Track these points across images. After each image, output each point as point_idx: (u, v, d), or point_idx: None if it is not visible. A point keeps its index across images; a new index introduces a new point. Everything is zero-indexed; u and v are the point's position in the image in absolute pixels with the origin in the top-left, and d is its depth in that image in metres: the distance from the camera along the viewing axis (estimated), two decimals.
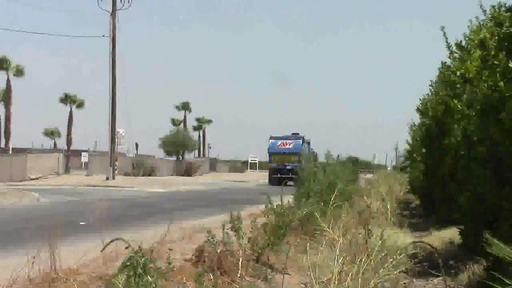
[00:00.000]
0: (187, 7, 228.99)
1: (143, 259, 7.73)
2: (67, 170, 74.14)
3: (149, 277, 7.61)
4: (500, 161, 10.68)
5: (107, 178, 58.76)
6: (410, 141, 34.73)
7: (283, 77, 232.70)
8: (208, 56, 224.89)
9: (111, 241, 8.14)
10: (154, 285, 7.67)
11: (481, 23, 12.93)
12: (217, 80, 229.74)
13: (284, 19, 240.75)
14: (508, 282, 5.41)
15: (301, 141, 66.29)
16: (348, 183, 28.29)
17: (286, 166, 62.89)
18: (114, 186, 49.05)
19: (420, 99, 23.62)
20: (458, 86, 13.73)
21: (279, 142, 66.07)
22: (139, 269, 7.66)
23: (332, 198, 17.26)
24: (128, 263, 7.73)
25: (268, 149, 68.63)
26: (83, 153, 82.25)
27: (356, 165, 60.81)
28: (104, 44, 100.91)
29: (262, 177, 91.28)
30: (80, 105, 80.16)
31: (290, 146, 64.64)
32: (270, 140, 67.61)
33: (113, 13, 62.27)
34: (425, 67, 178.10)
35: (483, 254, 11.55)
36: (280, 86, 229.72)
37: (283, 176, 53.75)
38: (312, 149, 64.74)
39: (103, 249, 8.58)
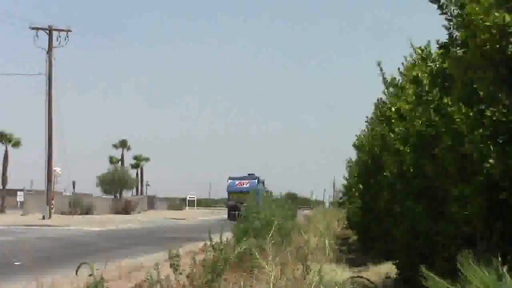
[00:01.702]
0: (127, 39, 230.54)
1: None
2: (2, 209, 72.72)
3: None
4: (434, 196, 10.81)
5: (44, 217, 57.69)
6: (347, 177, 34.87)
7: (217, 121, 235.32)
8: (145, 93, 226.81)
9: (80, 265, 8.11)
10: None
11: (414, 60, 13.21)
12: (155, 118, 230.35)
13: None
14: None
15: (256, 181, 70.98)
16: (287, 219, 28.43)
17: (243, 204, 63.85)
18: (50, 225, 48.38)
19: (356, 135, 23.94)
20: (393, 121, 13.94)
21: (237, 182, 71.36)
22: None
23: (270, 234, 17.35)
24: None
25: (227, 188, 73.81)
26: (18, 192, 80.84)
27: (295, 201, 61.44)
28: (41, 81, 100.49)
29: (201, 214, 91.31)
30: (16, 144, 79.13)
31: (247, 185, 68.36)
32: (229, 180, 72.89)
33: (49, 51, 61.82)
34: (362, 103, 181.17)
35: (419, 287, 11.68)
36: (219, 124, 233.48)
37: (240, 212, 54.59)
38: (266, 188, 68.32)
39: (76, 272, 8.40)
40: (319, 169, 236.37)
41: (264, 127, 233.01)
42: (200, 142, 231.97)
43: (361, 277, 15.52)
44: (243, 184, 70.01)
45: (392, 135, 13.81)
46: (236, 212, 69.97)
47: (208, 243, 15.34)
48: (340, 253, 22.60)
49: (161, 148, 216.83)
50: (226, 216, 71.75)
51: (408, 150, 11.90)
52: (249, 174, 74.66)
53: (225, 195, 75.86)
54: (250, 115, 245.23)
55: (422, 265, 6.14)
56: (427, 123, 10.94)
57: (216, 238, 15.70)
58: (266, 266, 13.04)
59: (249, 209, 19.82)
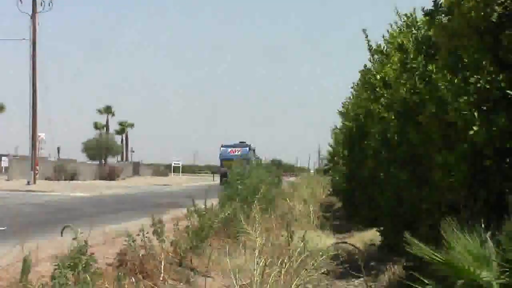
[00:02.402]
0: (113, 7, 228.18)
1: (85, 258, 7.63)
2: None
3: (87, 276, 7.53)
4: (419, 164, 10.83)
5: (28, 183, 57.89)
6: (333, 144, 34.72)
7: (204, 82, 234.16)
8: (133, 59, 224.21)
9: (64, 228, 8.06)
10: (91, 285, 7.59)
11: (399, 27, 13.18)
12: (141, 84, 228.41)
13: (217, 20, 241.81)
14: (427, 282, 5.47)
15: (248, 148, 75.39)
16: (272, 186, 28.51)
17: None
18: (35, 191, 48.20)
19: (342, 103, 23.77)
20: (378, 89, 13.91)
21: (229, 149, 75.08)
22: (80, 267, 7.56)
23: (255, 201, 17.34)
24: (72, 262, 7.61)
25: (219, 155, 77.94)
26: (3, 158, 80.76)
27: (279, 168, 61.98)
28: (25, 47, 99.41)
29: (186, 181, 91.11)
30: (0, 109, 78.60)
31: (238, 152, 71.91)
32: (222, 148, 77.21)
33: (33, 16, 61.22)
34: (349, 70, 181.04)
35: (403, 254, 11.72)
36: (204, 91, 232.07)
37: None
38: (257, 155, 73.56)
39: (62, 233, 8.35)
40: (304, 137, 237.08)
41: (249, 93, 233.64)
42: (185, 109, 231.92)
43: (346, 242, 15.62)
44: (235, 152, 72.66)
45: (377, 103, 13.83)
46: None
47: (192, 209, 15.34)
48: (325, 219, 22.69)
49: (146, 115, 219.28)
50: (211, 182, 74.01)
51: (392, 118, 11.84)
52: (240, 142, 77.62)
53: (210, 162, 77.83)
54: (236, 81, 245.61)
55: (406, 231, 6.18)
56: (411, 90, 10.84)
57: (200, 204, 15.71)
58: (251, 232, 13.11)
59: (233, 176, 19.87)
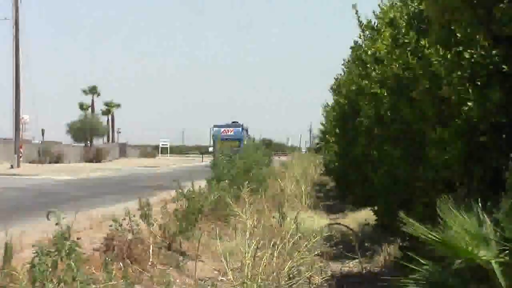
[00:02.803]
0: None
1: (68, 243, 7.56)
2: None
3: (71, 262, 7.46)
4: (413, 141, 10.79)
5: (12, 166, 57.62)
6: (324, 122, 34.45)
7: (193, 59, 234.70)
8: (118, 38, 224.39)
9: (49, 213, 7.98)
10: (76, 270, 7.54)
11: (391, 2, 13.12)
12: (127, 64, 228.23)
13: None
14: (423, 262, 5.44)
15: (240, 128, 74.90)
16: (263, 166, 28.36)
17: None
18: (19, 175, 47.94)
19: (334, 79, 22.63)
20: (369, 66, 13.83)
21: (222, 130, 73.33)
22: (63, 253, 7.50)
23: (246, 182, 17.24)
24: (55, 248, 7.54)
25: (212, 136, 78.08)
26: None
27: (270, 147, 61.94)
28: (8, 27, 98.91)
29: (174, 162, 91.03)
30: None
31: (231, 133, 72.35)
32: (214, 128, 76.02)
33: None
34: (340, 46, 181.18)
35: (398, 233, 11.69)
36: (191, 67, 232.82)
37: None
38: (249, 135, 72.24)
39: (47, 217, 8.26)
40: (295, 114, 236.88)
41: (238, 72, 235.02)
42: (173, 88, 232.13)
43: (339, 223, 15.60)
44: (228, 132, 72.81)
45: (369, 79, 13.78)
46: None
47: (180, 191, 15.22)
48: (317, 200, 22.65)
49: (132, 94, 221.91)
50: (201, 163, 75.21)
51: (385, 94, 11.79)
52: (232, 122, 77.70)
53: (199, 142, 77.44)
54: (222, 57, 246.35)
55: (401, 211, 6.16)
56: (404, 66, 10.76)
57: (189, 186, 15.62)
58: (241, 214, 13.04)
59: (218, 159, 19.85)
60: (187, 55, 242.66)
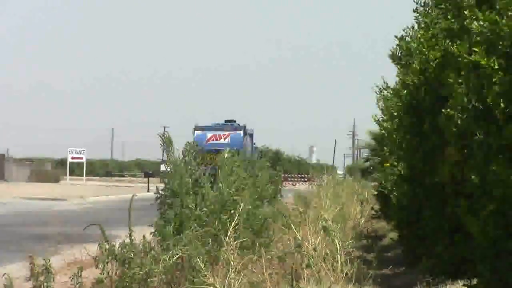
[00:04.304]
0: None
1: None
2: None
3: None
4: None
5: None
6: (381, 117, 33.81)
7: None
8: None
9: None
10: None
11: None
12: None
13: None
14: None
15: (241, 132, 73.30)
16: (263, 201, 26.88)
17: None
18: None
19: (396, 38, 23.65)
20: (467, 11, 13.94)
21: (210, 134, 72.71)
22: None
23: (231, 229, 17.18)
24: None
25: (191, 142, 74.99)
26: None
27: (277, 165, 61.65)
28: None
29: (96, 191, 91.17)
30: None
31: (226, 139, 71.28)
32: (196, 132, 72.72)
33: None
34: None
35: None
36: None
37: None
38: (254, 143, 73.55)
39: None
40: (324, 109, 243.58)
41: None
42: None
43: None
44: (221, 138, 71.06)
45: (464, 38, 13.90)
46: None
47: (106, 246, 15.14)
48: (365, 265, 22.72)
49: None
50: (145, 194, 73.86)
51: (495, 66, 11.66)
52: (226, 121, 75.34)
53: (142, 156, 76.01)
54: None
55: None
56: None
57: (121, 238, 15.55)
58: None
59: (181, 181, 19.51)
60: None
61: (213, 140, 70.78)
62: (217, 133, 72.66)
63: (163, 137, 17.59)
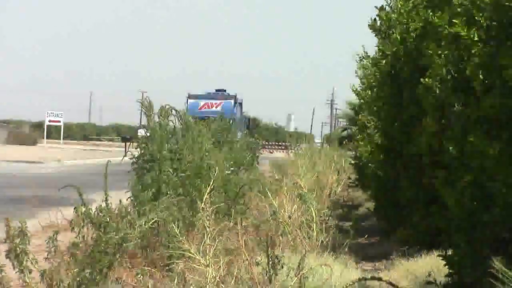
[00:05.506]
0: None
1: None
2: None
3: None
4: None
5: None
6: (360, 87, 33.70)
7: None
8: None
9: None
10: None
11: None
12: None
13: None
14: None
15: (232, 101, 77.11)
16: (240, 167, 25.91)
17: None
18: None
19: (376, 8, 23.67)
20: None
21: (202, 103, 76.49)
22: None
23: (206, 194, 17.16)
24: None
25: (186, 111, 76.48)
26: None
27: (254, 132, 62.12)
28: None
29: (73, 154, 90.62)
30: None
31: (218, 108, 73.36)
32: (189, 100, 76.89)
33: None
34: None
35: None
36: None
37: None
38: (244, 112, 75.31)
39: None
40: (303, 76, 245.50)
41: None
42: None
43: (380, 279, 15.49)
44: (213, 106, 74.61)
45: (446, 9, 13.93)
46: None
47: (83, 209, 15.06)
48: (341, 234, 22.73)
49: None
50: (122, 158, 73.80)
51: (474, 38, 11.67)
52: (217, 90, 79.80)
53: (121, 119, 77.31)
54: None
55: (496, 257, 6.14)
56: None
57: (98, 202, 15.47)
58: (196, 255, 13.04)
59: (159, 146, 19.46)
60: None
61: (205, 108, 73.35)
62: (210, 101, 76.22)
63: (144, 102, 17.46)
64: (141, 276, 13.04)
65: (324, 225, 17.99)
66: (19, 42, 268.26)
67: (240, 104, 77.26)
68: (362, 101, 26.76)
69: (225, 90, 78.89)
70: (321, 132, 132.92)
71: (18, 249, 11.43)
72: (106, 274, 11.87)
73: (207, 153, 18.31)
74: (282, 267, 11.56)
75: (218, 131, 24.97)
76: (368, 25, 18.72)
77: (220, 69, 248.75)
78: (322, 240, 17.03)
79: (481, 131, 10.43)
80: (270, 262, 11.26)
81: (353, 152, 37.74)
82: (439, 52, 11.65)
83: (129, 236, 12.27)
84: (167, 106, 17.76)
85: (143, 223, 12.68)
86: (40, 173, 50.55)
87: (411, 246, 17.24)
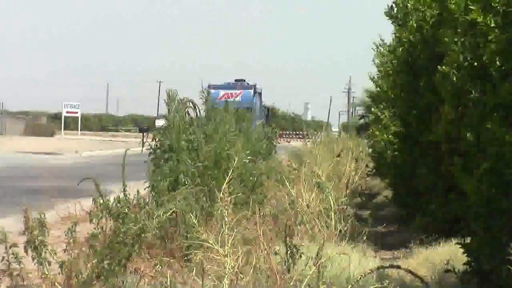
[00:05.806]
0: None
1: None
2: None
3: None
4: None
5: None
6: (377, 76, 33.40)
7: None
8: None
9: None
10: None
11: None
12: None
13: None
14: None
15: (252, 91, 78.23)
16: (257, 157, 26.05)
17: None
18: None
19: None
20: None
21: (223, 92, 75.34)
22: None
23: (224, 184, 17.12)
24: None
25: (205, 101, 77.30)
26: None
27: (271, 121, 62.54)
28: None
29: (91, 145, 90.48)
30: None
31: (238, 98, 74.56)
32: (209, 90, 76.68)
33: None
34: None
35: None
36: None
37: None
38: (263, 102, 76.48)
39: None
40: (320, 65, 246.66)
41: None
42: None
43: (399, 267, 15.48)
44: (233, 96, 74.09)
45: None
46: None
47: (101, 200, 15.06)
48: (359, 223, 22.70)
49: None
50: (139, 149, 74.34)
51: (491, 24, 11.65)
52: (236, 81, 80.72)
53: (136, 112, 77.03)
54: None
55: None
56: None
57: (116, 193, 15.44)
58: (215, 245, 12.88)
59: (177, 138, 19.40)
60: None
61: (225, 98, 68.82)
62: (230, 91, 76.25)
63: (169, 92, 17.50)
64: (160, 267, 13.00)
65: (342, 214, 17.79)
66: (36, 34, 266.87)
67: (260, 93, 77.01)
68: (378, 89, 26.10)
69: (244, 80, 78.07)
70: (339, 120, 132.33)
71: (36, 240, 11.43)
72: (125, 265, 11.84)
73: (228, 142, 18.05)
74: (301, 256, 11.51)
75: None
76: (385, 12, 18.57)
77: (237, 59, 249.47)
78: (340, 229, 16.92)
79: (498, 118, 10.36)
80: (289, 252, 11.24)
81: (370, 141, 37.41)
82: (456, 39, 11.59)
83: (148, 227, 12.20)
84: (185, 99, 17.68)
85: (161, 213, 12.60)
86: (58, 164, 50.58)
87: (430, 234, 17.12)
